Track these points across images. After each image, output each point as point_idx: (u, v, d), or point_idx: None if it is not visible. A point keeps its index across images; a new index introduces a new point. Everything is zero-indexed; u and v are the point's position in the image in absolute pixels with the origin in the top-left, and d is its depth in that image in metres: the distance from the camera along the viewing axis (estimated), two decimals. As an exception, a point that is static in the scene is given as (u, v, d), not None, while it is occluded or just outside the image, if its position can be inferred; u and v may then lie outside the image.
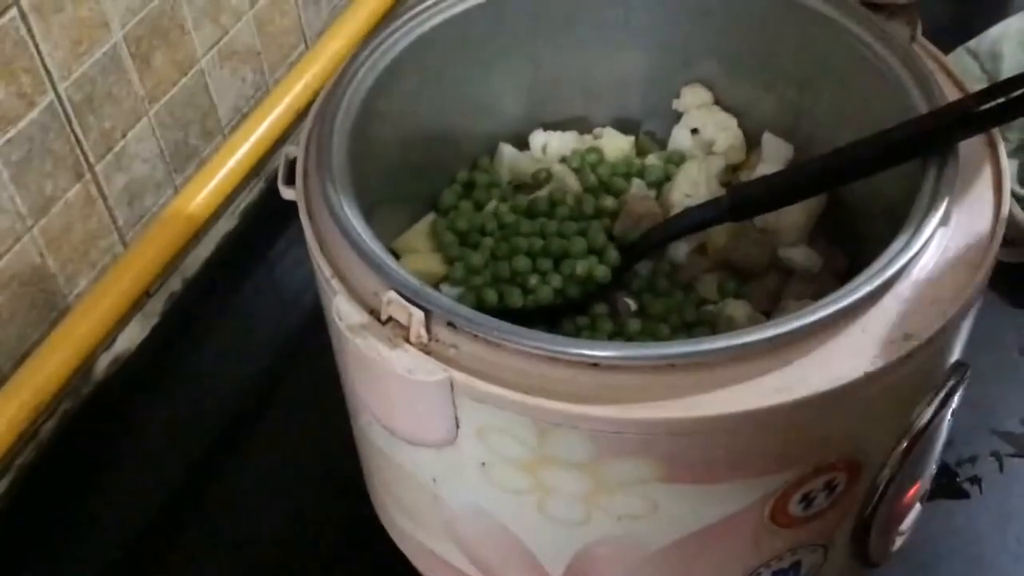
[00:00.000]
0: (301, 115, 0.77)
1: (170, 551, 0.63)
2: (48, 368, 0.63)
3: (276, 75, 0.78)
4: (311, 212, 0.46)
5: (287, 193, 0.48)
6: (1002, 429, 0.64)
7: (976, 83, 0.76)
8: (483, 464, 0.43)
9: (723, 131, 0.60)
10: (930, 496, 0.57)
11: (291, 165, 0.49)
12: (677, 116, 0.61)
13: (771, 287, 0.56)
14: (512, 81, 0.59)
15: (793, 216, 0.56)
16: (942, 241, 0.44)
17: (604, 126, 0.62)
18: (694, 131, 0.60)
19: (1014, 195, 0.71)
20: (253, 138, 0.74)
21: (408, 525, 0.53)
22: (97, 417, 0.68)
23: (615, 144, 0.61)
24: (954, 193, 0.44)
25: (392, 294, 0.42)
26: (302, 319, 0.74)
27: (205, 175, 0.72)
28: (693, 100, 0.61)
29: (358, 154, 0.49)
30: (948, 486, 0.61)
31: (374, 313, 0.42)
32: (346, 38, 0.80)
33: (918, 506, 0.53)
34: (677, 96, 0.61)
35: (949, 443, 0.61)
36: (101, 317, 0.66)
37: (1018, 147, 0.76)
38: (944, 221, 0.44)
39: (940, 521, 0.60)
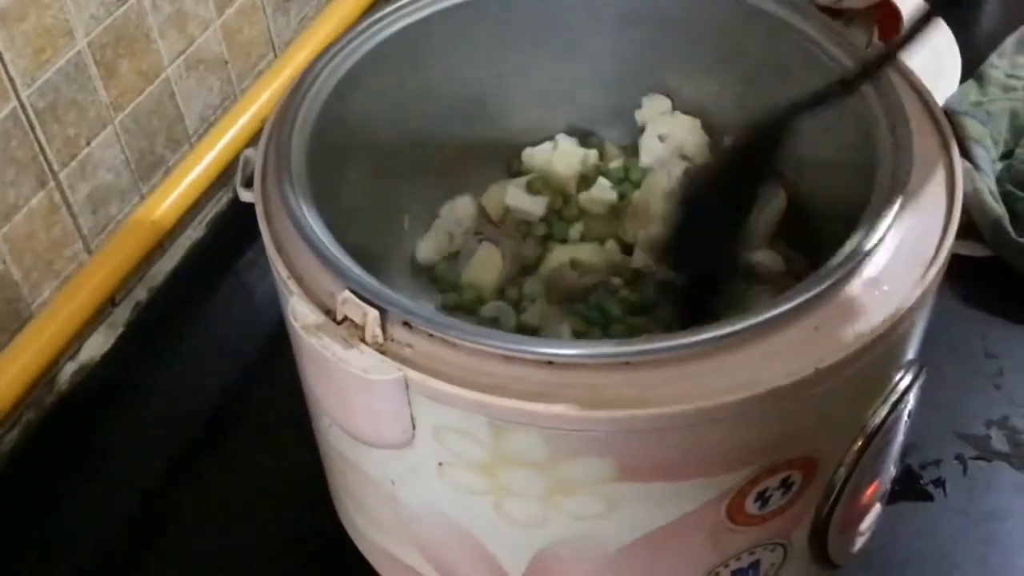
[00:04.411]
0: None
1: (134, 563, 0.63)
2: (9, 377, 0.63)
3: (244, 84, 0.78)
4: (268, 214, 0.46)
5: (245, 195, 0.48)
6: (966, 432, 0.64)
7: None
8: (440, 464, 0.43)
9: (688, 133, 0.60)
10: (894, 498, 0.58)
11: (249, 168, 0.49)
12: (637, 123, 0.62)
13: (735, 291, 0.57)
14: (475, 88, 0.60)
15: (754, 221, 0.57)
16: (894, 240, 0.44)
17: (564, 133, 0.63)
18: (661, 137, 0.61)
19: (997, 194, 0.72)
20: (220, 147, 0.74)
21: (370, 530, 0.53)
22: (60, 428, 0.68)
23: (572, 151, 0.61)
24: (907, 194, 0.45)
25: (347, 293, 0.42)
26: (269, 330, 0.74)
27: (171, 183, 0.72)
28: (655, 108, 0.61)
29: (319, 160, 0.49)
30: (912, 488, 0.62)
31: (330, 314, 0.42)
32: (315, 48, 0.80)
33: (878, 506, 0.53)
34: (639, 106, 0.62)
35: (913, 446, 0.62)
36: (64, 326, 0.66)
37: (1005, 153, 0.78)
38: (897, 221, 0.44)
39: (904, 523, 0.60)
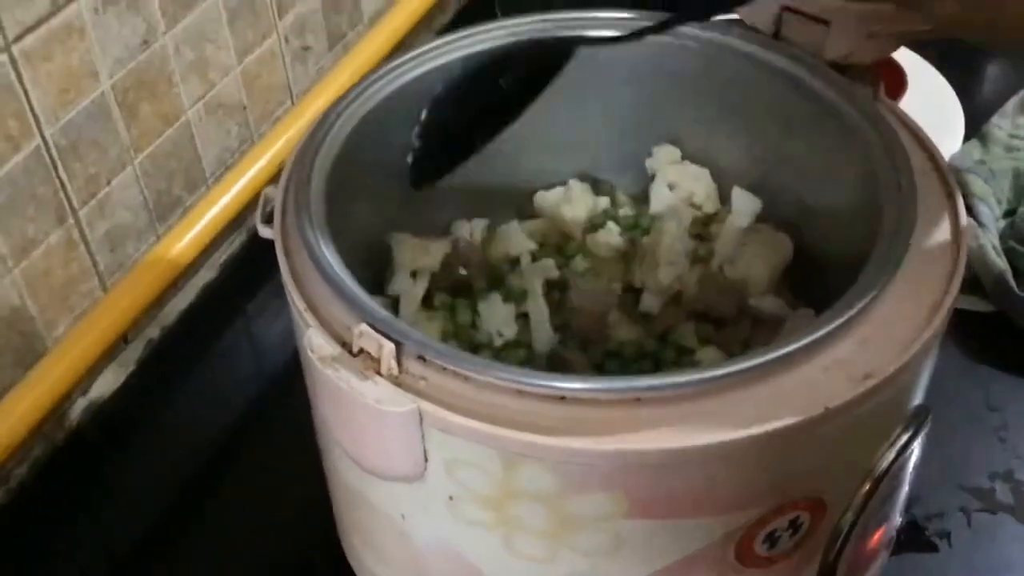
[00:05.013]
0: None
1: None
2: (20, 412, 0.63)
3: (261, 130, 0.79)
4: (287, 249, 0.47)
5: (265, 231, 0.49)
6: (970, 484, 0.65)
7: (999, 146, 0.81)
8: (451, 498, 0.44)
9: (697, 182, 0.61)
10: (899, 549, 0.58)
11: (269, 205, 0.50)
12: (645, 172, 0.63)
13: (743, 334, 0.57)
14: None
15: (758, 268, 0.58)
16: (902, 285, 0.45)
17: (575, 178, 0.64)
18: (670, 186, 0.62)
19: (1000, 250, 0.73)
20: (236, 190, 0.76)
21: (378, 566, 0.53)
22: (70, 464, 0.68)
23: (583, 197, 0.62)
24: (914, 239, 0.46)
25: (364, 326, 0.42)
26: (278, 372, 0.75)
27: (187, 224, 0.73)
28: (665, 157, 0.63)
29: (337, 198, 0.50)
30: (917, 540, 0.62)
31: (346, 346, 0.43)
32: (331, 96, 0.81)
33: (884, 554, 0.53)
34: (649, 155, 0.63)
35: (917, 498, 0.62)
36: (77, 362, 0.66)
37: (1008, 211, 0.79)
38: (905, 264, 0.45)
39: (909, 574, 0.60)
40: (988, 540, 0.62)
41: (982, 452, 0.66)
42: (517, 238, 0.61)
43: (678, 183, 0.62)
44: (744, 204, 0.60)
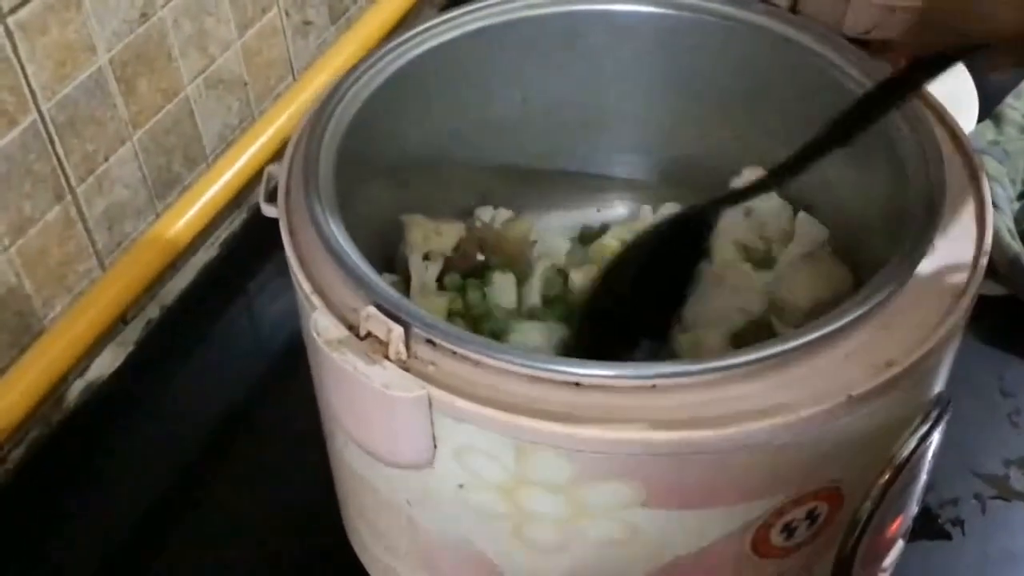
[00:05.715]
0: (286, 146, 0.76)
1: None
2: (17, 392, 0.62)
3: (262, 106, 0.78)
4: (292, 229, 0.46)
5: (268, 210, 0.48)
6: (984, 471, 0.64)
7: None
8: (460, 486, 0.43)
9: (776, 217, 0.58)
10: (912, 537, 0.57)
11: (273, 183, 0.49)
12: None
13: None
14: (501, 110, 0.59)
15: (804, 298, 0.54)
16: (925, 271, 0.43)
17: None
18: (747, 212, 0.59)
19: (1015, 232, 0.72)
20: (236, 167, 0.74)
21: (382, 554, 0.52)
22: (67, 445, 0.67)
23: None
24: (939, 225, 0.44)
25: (371, 309, 0.41)
26: (279, 352, 0.73)
27: (187, 202, 0.72)
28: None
29: (345, 175, 0.49)
30: (930, 527, 0.61)
31: (353, 329, 0.42)
32: (333, 72, 0.80)
33: (901, 543, 0.52)
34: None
35: (931, 485, 0.61)
36: (75, 342, 0.65)
37: (1022, 192, 0.78)
38: (929, 252, 0.44)
39: (922, 562, 0.59)
40: (1002, 528, 0.61)
41: (996, 438, 0.65)
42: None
43: (755, 208, 0.58)
44: (809, 232, 0.57)
